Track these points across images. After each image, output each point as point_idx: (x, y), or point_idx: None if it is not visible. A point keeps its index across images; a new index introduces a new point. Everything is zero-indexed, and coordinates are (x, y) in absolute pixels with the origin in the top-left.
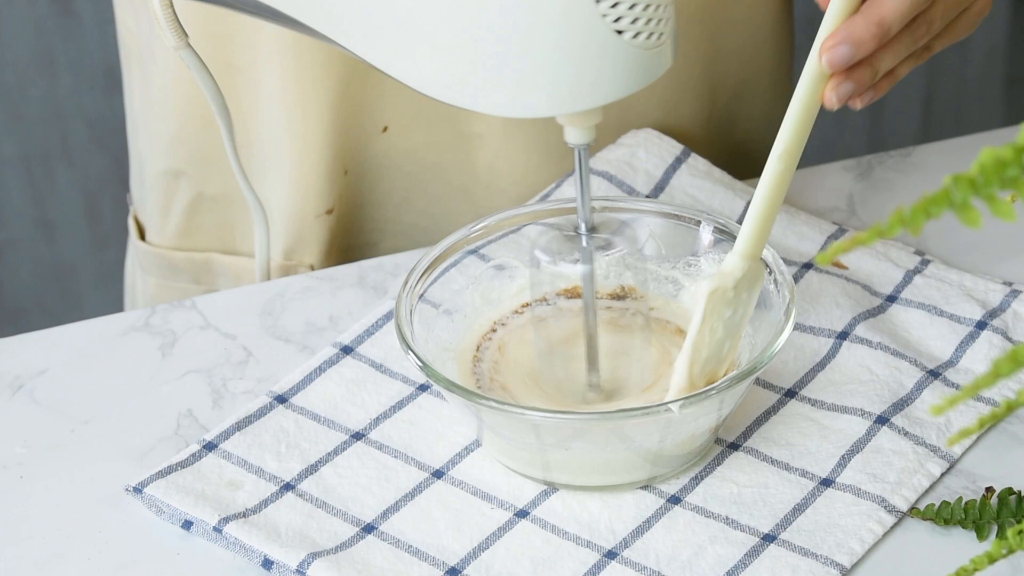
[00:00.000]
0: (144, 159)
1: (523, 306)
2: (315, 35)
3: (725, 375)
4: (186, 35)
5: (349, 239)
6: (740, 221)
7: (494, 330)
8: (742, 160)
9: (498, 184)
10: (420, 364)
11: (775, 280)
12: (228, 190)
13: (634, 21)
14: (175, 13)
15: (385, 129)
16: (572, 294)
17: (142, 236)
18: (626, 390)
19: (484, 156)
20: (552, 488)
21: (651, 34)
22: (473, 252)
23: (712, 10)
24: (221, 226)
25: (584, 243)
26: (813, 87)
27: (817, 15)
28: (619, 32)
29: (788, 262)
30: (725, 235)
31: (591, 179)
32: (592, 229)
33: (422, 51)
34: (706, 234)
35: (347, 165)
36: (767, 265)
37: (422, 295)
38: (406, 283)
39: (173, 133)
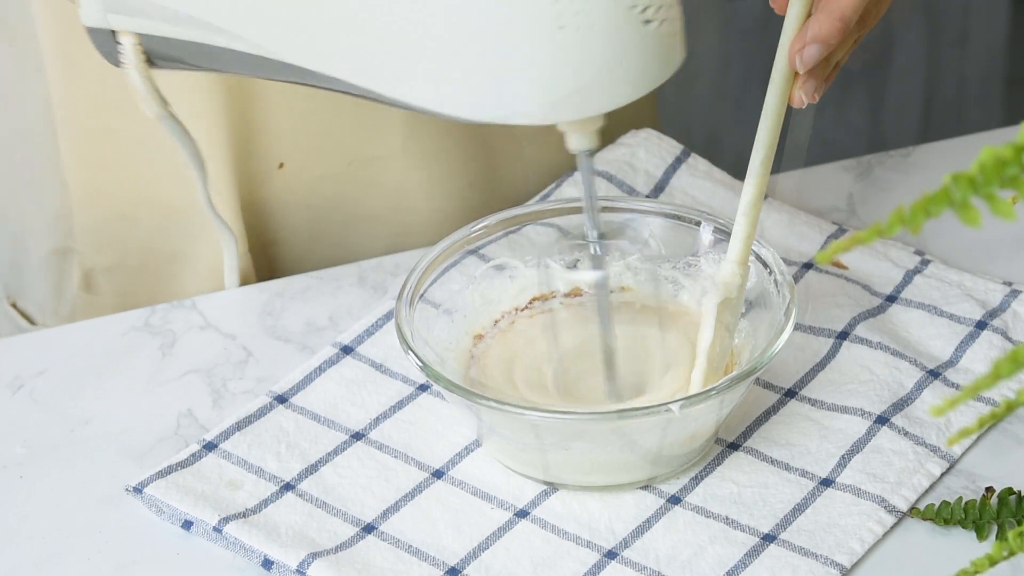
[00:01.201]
0: (22, 243)
1: (518, 309)
2: (306, 76)
3: (726, 373)
4: (167, 103)
5: (271, 278)
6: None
7: (481, 336)
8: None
9: (408, 203)
10: (420, 364)
11: (775, 280)
12: (123, 258)
13: (658, 10)
14: (154, 83)
15: (281, 165)
16: (574, 293)
17: (30, 321)
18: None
19: (389, 178)
20: (552, 488)
21: (670, 20)
22: (473, 252)
23: None
24: (121, 296)
25: (593, 250)
26: (782, 93)
27: None
28: (647, 22)
29: (788, 262)
30: (725, 235)
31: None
32: (601, 236)
33: (448, 72)
34: (706, 234)
35: (243, 203)
36: (766, 265)
37: (422, 295)
38: (406, 283)
39: (55, 210)
